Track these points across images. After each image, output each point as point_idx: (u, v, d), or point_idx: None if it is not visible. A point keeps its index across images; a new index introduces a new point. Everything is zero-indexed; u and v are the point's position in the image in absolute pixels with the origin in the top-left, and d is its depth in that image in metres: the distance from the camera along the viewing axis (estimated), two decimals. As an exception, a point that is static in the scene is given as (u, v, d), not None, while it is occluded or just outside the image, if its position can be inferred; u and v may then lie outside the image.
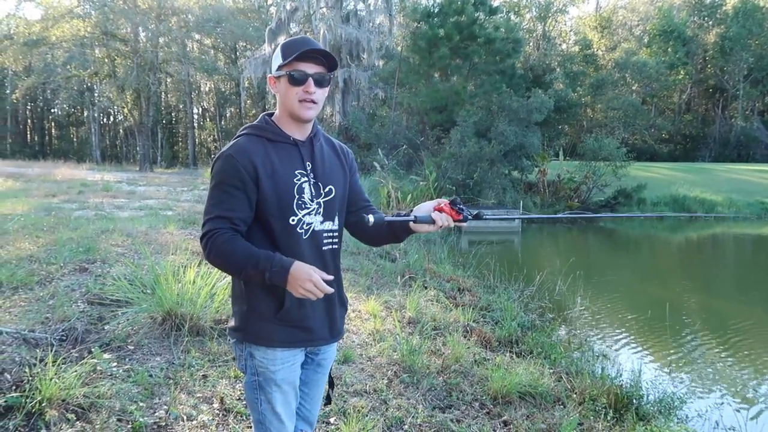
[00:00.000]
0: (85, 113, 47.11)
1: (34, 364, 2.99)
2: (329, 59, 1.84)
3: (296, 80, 1.82)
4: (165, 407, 3.08)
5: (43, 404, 2.74)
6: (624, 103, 31.50)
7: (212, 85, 47.17)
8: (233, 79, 40.00)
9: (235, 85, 41.05)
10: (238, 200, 1.76)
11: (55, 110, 51.02)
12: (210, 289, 4.26)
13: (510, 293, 7.08)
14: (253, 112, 43.60)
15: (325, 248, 1.90)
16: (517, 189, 19.58)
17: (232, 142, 1.85)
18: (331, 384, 2.19)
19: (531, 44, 40.26)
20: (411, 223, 1.87)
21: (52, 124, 52.92)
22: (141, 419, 2.88)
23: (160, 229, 8.15)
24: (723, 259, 13.98)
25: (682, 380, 5.22)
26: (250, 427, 3.00)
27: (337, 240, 1.96)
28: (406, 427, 3.28)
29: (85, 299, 4.58)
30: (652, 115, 39.81)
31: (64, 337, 3.76)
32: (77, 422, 2.78)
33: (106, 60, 34.20)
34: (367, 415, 3.29)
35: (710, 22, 42.95)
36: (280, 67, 1.84)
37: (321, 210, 1.88)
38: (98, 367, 3.29)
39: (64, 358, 3.23)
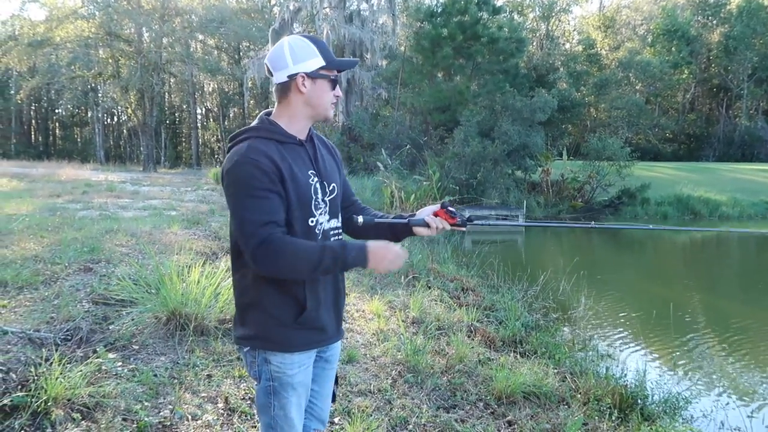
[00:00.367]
0: (89, 114, 47.23)
1: (40, 364, 3.00)
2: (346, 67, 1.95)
3: (335, 84, 1.86)
4: (170, 407, 3.09)
5: (49, 404, 2.75)
6: (628, 102, 31.39)
7: (215, 86, 47.25)
8: (237, 80, 40.05)
9: (239, 86, 41.09)
10: (275, 203, 1.72)
11: (60, 111, 51.18)
12: (214, 289, 4.27)
13: (514, 293, 7.07)
14: (256, 112, 43.55)
15: None
16: (520, 189, 19.55)
17: (244, 146, 1.76)
18: (336, 381, 2.19)
19: (534, 44, 40.22)
20: (413, 226, 1.92)
21: (57, 124, 53.05)
22: (146, 419, 2.89)
23: (164, 229, 8.17)
24: (727, 258, 13.94)
25: (687, 380, 5.20)
26: (255, 427, 3.01)
27: (341, 237, 1.99)
28: (411, 426, 3.28)
29: (90, 299, 4.60)
30: (655, 114, 39.68)
31: (69, 337, 3.77)
32: (82, 422, 2.79)
33: (110, 60, 34.27)
34: (371, 415, 3.29)
35: (714, 22, 42.81)
36: (321, 69, 1.82)
37: (327, 209, 1.90)
38: (103, 367, 3.30)
39: (69, 358, 3.25)
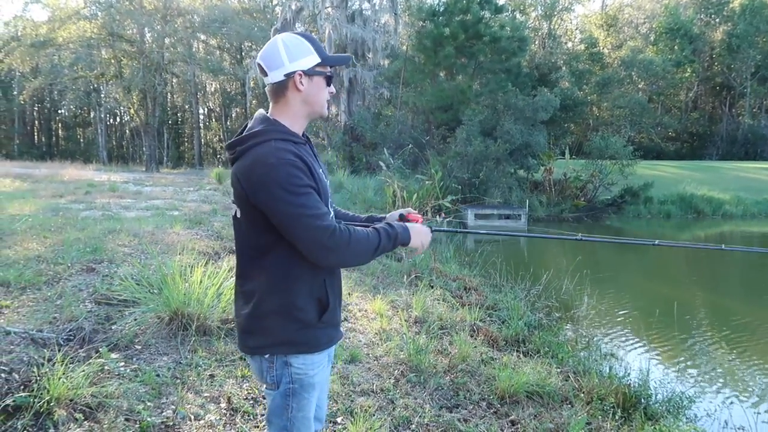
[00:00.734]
0: (92, 114, 47.35)
1: (42, 364, 3.00)
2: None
3: (330, 80, 1.87)
4: (172, 407, 3.09)
5: (52, 404, 2.75)
6: (630, 101, 31.35)
7: (218, 86, 47.32)
8: (239, 80, 40.09)
9: (241, 86, 41.14)
10: (317, 198, 1.73)
11: (62, 111, 51.29)
12: (217, 289, 4.27)
13: (516, 292, 7.06)
14: (259, 112, 43.58)
15: None
16: (523, 188, 19.51)
17: (270, 148, 1.70)
18: None
19: (537, 43, 40.17)
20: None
21: (59, 125, 53.18)
22: (149, 419, 2.89)
23: (167, 229, 8.17)
24: (731, 257, 13.90)
25: (691, 379, 5.19)
26: (257, 427, 3.01)
27: None
28: (414, 426, 3.27)
29: (93, 299, 4.60)
30: (658, 113, 39.58)
31: (72, 337, 3.77)
32: (85, 422, 2.79)
33: (113, 61, 34.29)
34: (374, 415, 3.28)
35: (717, 20, 42.70)
36: (317, 66, 1.82)
37: (331, 203, 1.96)
38: (106, 367, 3.30)
39: (71, 358, 3.25)
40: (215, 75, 40.26)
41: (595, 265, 10.58)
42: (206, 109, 51.88)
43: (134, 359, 3.62)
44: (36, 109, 49.87)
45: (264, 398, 3.33)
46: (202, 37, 38.53)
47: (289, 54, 1.79)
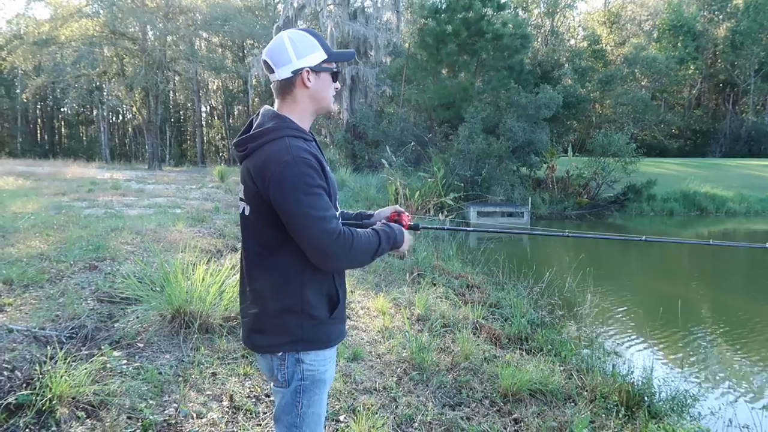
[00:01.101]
0: (95, 112, 47.45)
1: (45, 362, 2.99)
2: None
3: (336, 76, 1.87)
4: (175, 405, 3.09)
5: (54, 402, 2.75)
6: (633, 98, 31.23)
7: (220, 83, 47.35)
8: (241, 77, 40.10)
9: (243, 83, 41.19)
10: (327, 199, 1.72)
11: (65, 109, 51.38)
12: (219, 287, 4.26)
13: (519, 290, 7.04)
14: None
15: None
16: (525, 185, 19.48)
17: (284, 145, 1.69)
18: None
19: (539, 40, 40.08)
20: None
21: (62, 123, 53.31)
22: (151, 417, 2.88)
23: (169, 227, 8.18)
24: (734, 255, 13.85)
25: (695, 377, 5.17)
26: (260, 425, 3.00)
27: None
28: (416, 424, 3.26)
29: (95, 297, 4.60)
30: (661, 110, 39.46)
31: (74, 335, 3.77)
32: (87, 420, 2.78)
33: (115, 59, 34.33)
34: (376, 413, 3.27)
35: (720, 16, 42.54)
36: (324, 62, 1.81)
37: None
38: (108, 365, 3.30)
39: (74, 356, 3.24)
40: (217, 73, 40.32)
41: (598, 263, 10.55)
42: (208, 107, 51.93)
43: (136, 357, 3.61)
44: (39, 107, 49.99)
45: (267, 396, 3.33)
46: (204, 34, 38.54)
47: (296, 50, 1.77)
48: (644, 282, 9.95)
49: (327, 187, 1.74)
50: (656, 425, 3.49)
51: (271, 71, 1.81)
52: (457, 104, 21.79)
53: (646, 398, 3.93)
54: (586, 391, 3.94)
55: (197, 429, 2.92)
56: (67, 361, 2.99)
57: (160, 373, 3.41)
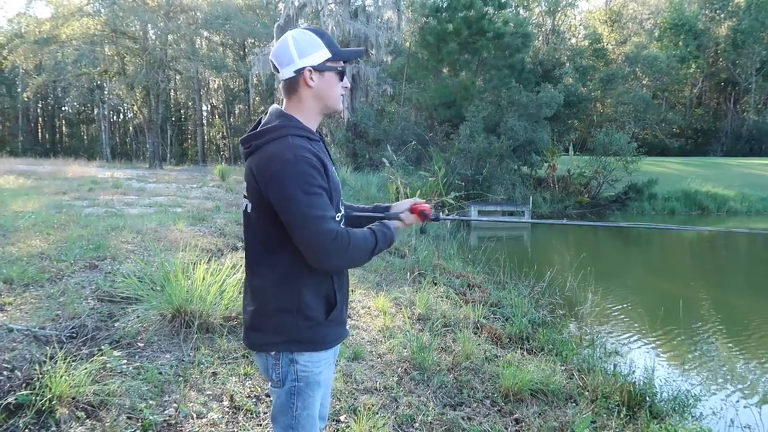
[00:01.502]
0: (95, 111, 47.46)
1: (45, 362, 2.98)
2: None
3: (342, 75, 1.84)
4: (175, 405, 3.08)
5: (53, 402, 2.74)
6: (634, 97, 31.22)
7: (221, 82, 47.34)
8: (242, 76, 40.06)
9: (244, 82, 41.12)
10: (326, 199, 1.71)
11: (66, 108, 51.44)
12: (220, 286, 4.25)
13: (520, 289, 7.03)
14: (262, 108, 43.66)
15: None
16: (526, 184, 19.48)
17: (287, 144, 1.69)
18: None
19: (540, 39, 40.03)
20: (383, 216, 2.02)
21: (63, 122, 53.34)
22: (151, 417, 2.87)
23: (170, 226, 8.17)
24: (736, 254, 13.84)
25: (697, 377, 5.16)
26: (260, 425, 2.99)
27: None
28: (417, 424, 3.25)
29: (95, 296, 4.59)
30: (662, 109, 39.42)
31: (74, 335, 3.76)
32: (87, 420, 2.77)
33: (116, 58, 34.34)
34: (377, 413, 3.26)
35: (722, 15, 42.48)
36: (327, 61, 1.80)
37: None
38: (108, 365, 3.29)
39: (74, 356, 3.24)
40: (218, 72, 40.29)
41: (599, 262, 10.54)
42: (209, 106, 51.93)
43: (137, 357, 3.60)
44: (40, 106, 50.01)
45: (267, 396, 3.32)
46: (205, 33, 38.53)
47: (298, 50, 1.78)
48: (645, 281, 9.93)
49: (328, 188, 1.73)
50: (658, 425, 3.48)
51: (277, 71, 1.82)
52: (458, 103, 21.77)
53: (647, 398, 3.92)
54: (588, 391, 3.93)
55: (197, 429, 2.91)
56: (67, 360, 2.98)
57: (161, 373, 3.40)
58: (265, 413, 3.14)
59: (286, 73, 1.79)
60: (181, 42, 35.19)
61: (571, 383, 4.04)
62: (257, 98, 43.56)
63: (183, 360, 3.65)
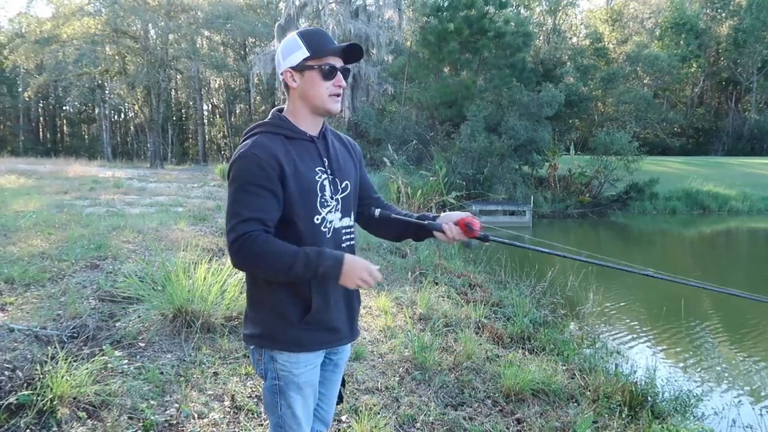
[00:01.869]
0: (96, 110, 47.45)
1: (46, 362, 2.98)
2: (347, 53, 1.82)
3: (329, 74, 1.78)
4: (176, 405, 3.07)
5: (55, 402, 2.73)
6: (635, 96, 31.20)
7: (222, 82, 47.33)
8: (243, 76, 40.07)
9: (245, 82, 41.13)
10: (266, 201, 1.69)
11: (67, 108, 51.45)
12: (220, 286, 4.25)
13: (521, 289, 7.02)
14: (263, 108, 43.70)
15: (344, 245, 1.87)
16: (527, 184, 19.47)
17: (250, 141, 1.75)
18: (343, 383, 2.16)
19: (541, 38, 39.99)
20: (432, 230, 1.89)
21: (64, 121, 53.35)
22: (152, 417, 2.87)
23: (171, 225, 8.17)
24: (737, 253, 13.83)
25: (698, 377, 5.15)
26: (261, 425, 2.99)
27: (353, 236, 1.93)
28: (418, 425, 3.25)
29: (97, 296, 4.59)
30: (664, 108, 39.40)
31: (76, 335, 3.76)
32: (88, 420, 2.77)
33: (117, 57, 34.33)
34: (379, 413, 3.26)
35: (723, 14, 42.45)
36: (306, 60, 1.78)
37: (339, 206, 1.85)
38: (109, 365, 3.28)
39: (75, 356, 3.24)
40: (219, 71, 40.27)
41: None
42: (210, 106, 51.95)
43: (138, 357, 3.60)
44: (41, 105, 50.01)
45: (268, 396, 3.31)
46: (206, 33, 38.50)
47: (282, 53, 1.82)
48: (646, 280, 9.90)
49: (280, 190, 1.70)
50: (659, 425, 3.47)
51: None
52: (459, 102, 21.76)
53: (649, 398, 3.92)
54: (589, 390, 3.93)
55: (198, 429, 2.90)
56: (68, 360, 2.98)
57: (162, 373, 3.40)
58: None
59: (280, 76, 1.85)
60: (182, 41, 35.19)
61: (572, 383, 4.03)
62: (258, 98, 43.58)
63: (184, 360, 3.65)
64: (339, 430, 3.08)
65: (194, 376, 3.44)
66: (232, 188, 1.71)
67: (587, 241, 15.27)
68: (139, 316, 4.12)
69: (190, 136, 51.95)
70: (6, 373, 2.95)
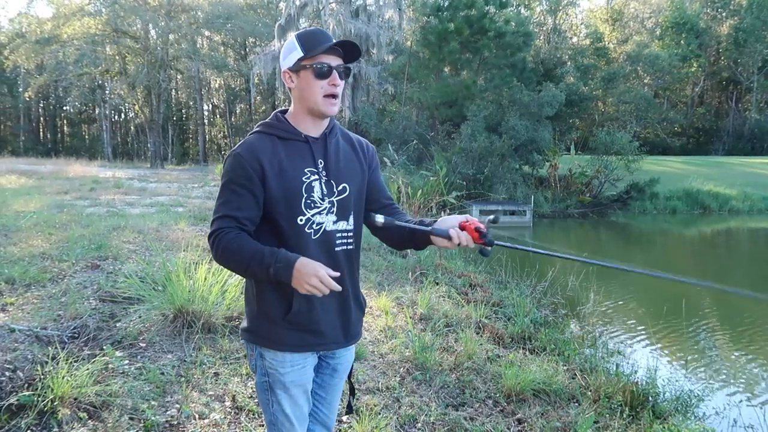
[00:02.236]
0: (97, 111, 47.46)
1: (46, 362, 2.98)
2: (347, 51, 1.79)
3: (322, 73, 1.76)
4: (177, 405, 3.07)
5: (55, 403, 2.74)
6: (636, 96, 31.18)
7: (222, 82, 47.34)
8: (243, 76, 40.07)
9: (245, 82, 41.12)
10: (244, 199, 1.72)
11: (67, 108, 51.45)
12: (221, 286, 4.25)
13: (522, 289, 7.01)
14: (263, 108, 43.72)
15: (338, 249, 1.83)
16: (528, 184, 19.45)
17: (241, 141, 1.81)
18: (352, 391, 2.13)
19: (542, 38, 39.96)
20: (433, 236, 1.77)
21: (65, 121, 53.36)
22: (153, 418, 2.87)
23: (171, 225, 8.17)
24: (738, 253, 13.82)
25: (700, 377, 5.14)
26: (262, 426, 2.99)
27: (352, 240, 1.88)
28: (419, 425, 3.25)
29: (97, 296, 4.59)
30: (664, 108, 39.37)
31: (76, 335, 3.76)
32: (89, 421, 2.77)
33: (117, 57, 34.32)
34: (379, 413, 3.26)
35: (724, 14, 42.42)
36: (300, 60, 1.77)
37: (334, 209, 1.81)
38: (110, 365, 3.29)
39: (76, 356, 3.24)
40: (219, 71, 40.30)
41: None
42: (210, 106, 51.96)
43: (138, 357, 3.60)
44: (41, 105, 50.03)
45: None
46: (206, 33, 38.52)
47: (282, 55, 1.84)
48: (647, 280, 9.91)
49: (259, 190, 1.72)
50: (661, 425, 3.47)
51: None
52: (459, 102, 21.74)
53: (650, 398, 3.91)
54: (590, 391, 3.92)
55: (199, 430, 2.90)
56: (69, 361, 2.98)
57: (162, 374, 3.40)
58: (267, 414, 3.13)
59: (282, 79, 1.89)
60: (183, 41, 35.19)
61: (573, 383, 4.03)
62: (258, 98, 43.58)
63: (185, 360, 3.65)
64: (340, 430, 3.08)
65: (195, 376, 3.44)
66: (220, 185, 1.80)
67: (588, 241, 15.26)
68: (139, 317, 4.12)
69: (191, 136, 51.96)
70: (7, 373, 2.95)
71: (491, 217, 1.86)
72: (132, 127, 49.94)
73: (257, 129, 1.85)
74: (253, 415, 3.12)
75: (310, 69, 1.76)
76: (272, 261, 1.65)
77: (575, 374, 4.27)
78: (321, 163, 1.82)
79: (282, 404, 1.83)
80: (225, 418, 3.04)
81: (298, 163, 1.78)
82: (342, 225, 1.84)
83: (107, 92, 41.94)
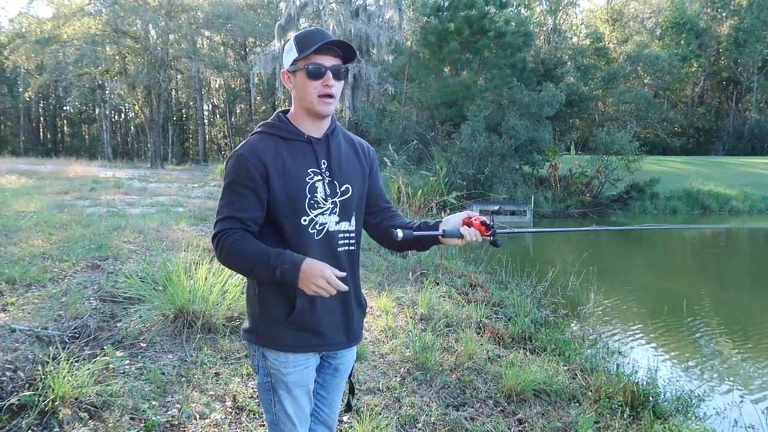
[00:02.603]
0: (97, 111, 47.46)
1: (47, 362, 2.98)
2: (345, 50, 1.78)
3: (315, 74, 1.75)
4: (178, 405, 3.07)
5: (56, 403, 2.74)
6: (636, 96, 31.21)
7: (222, 82, 47.36)
8: (243, 76, 40.08)
9: (245, 82, 41.16)
10: (248, 200, 1.72)
11: (67, 108, 51.48)
12: (222, 286, 4.25)
13: (522, 289, 7.01)
14: (263, 108, 43.72)
15: (340, 249, 1.83)
16: (528, 184, 19.45)
17: (243, 142, 1.80)
18: (352, 390, 2.13)
19: (542, 38, 39.98)
20: (445, 237, 1.79)
21: (65, 121, 53.38)
22: (154, 418, 2.87)
23: (172, 225, 8.17)
24: (738, 253, 13.82)
25: (700, 377, 5.14)
26: (263, 426, 2.99)
27: (354, 241, 1.88)
28: (420, 425, 3.24)
29: (98, 296, 4.59)
30: (664, 108, 39.39)
31: (77, 335, 3.76)
32: (90, 421, 2.77)
33: (117, 57, 34.32)
34: (380, 414, 3.26)
35: (724, 14, 42.41)
36: (296, 61, 1.77)
37: (337, 210, 1.81)
38: (111, 365, 3.29)
39: (76, 356, 3.23)
40: (219, 71, 40.30)
41: (601, 261, 10.52)
42: (210, 106, 51.98)
43: (139, 357, 3.60)
44: (41, 105, 50.06)
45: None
46: (206, 33, 38.51)
47: (284, 56, 1.86)
48: (648, 280, 9.91)
49: (263, 190, 1.72)
50: (661, 426, 3.47)
51: None
52: (459, 102, 21.75)
53: (651, 398, 3.91)
54: (591, 391, 3.92)
55: (200, 430, 2.90)
56: (70, 361, 2.98)
57: (163, 374, 3.40)
58: (268, 414, 3.13)
59: None
60: (183, 41, 35.18)
61: (573, 383, 4.03)
62: (258, 98, 43.58)
63: (185, 360, 3.65)
64: (341, 430, 3.08)
65: (196, 376, 3.44)
66: (222, 186, 1.78)
67: (588, 241, 15.24)
68: (140, 317, 4.12)
69: (191, 136, 51.98)
70: (7, 373, 2.96)
71: (495, 207, 1.91)
72: (132, 127, 49.96)
73: (259, 129, 1.83)
74: (254, 415, 3.12)
75: (304, 70, 1.76)
76: (278, 262, 1.65)
77: (576, 374, 4.27)
78: (324, 163, 1.82)
79: (284, 404, 1.83)
80: (226, 418, 3.04)
81: (301, 164, 1.78)
82: (344, 225, 1.84)
83: (107, 92, 41.93)
